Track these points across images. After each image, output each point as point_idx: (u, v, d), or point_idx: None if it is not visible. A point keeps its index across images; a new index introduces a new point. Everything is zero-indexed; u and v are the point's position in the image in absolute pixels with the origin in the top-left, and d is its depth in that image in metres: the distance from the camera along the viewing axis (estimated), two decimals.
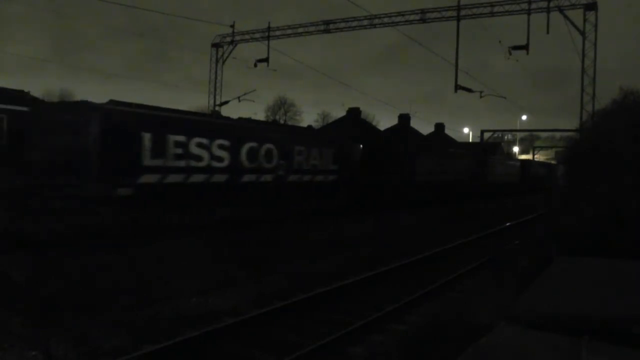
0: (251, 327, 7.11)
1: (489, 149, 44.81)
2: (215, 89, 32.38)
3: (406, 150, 23.43)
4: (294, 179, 16.39)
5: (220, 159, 13.72)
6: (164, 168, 12.14)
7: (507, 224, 20.29)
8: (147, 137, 11.75)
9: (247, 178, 14.62)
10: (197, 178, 13.00)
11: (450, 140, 55.77)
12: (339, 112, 63.24)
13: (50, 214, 10.24)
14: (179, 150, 12.52)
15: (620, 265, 5.05)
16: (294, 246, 12.59)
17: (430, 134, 55.04)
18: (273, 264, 10.92)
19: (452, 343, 5.22)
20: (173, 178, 12.38)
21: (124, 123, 11.54)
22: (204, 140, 13.24)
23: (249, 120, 22.72)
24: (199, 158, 13.06)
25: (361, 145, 20.11)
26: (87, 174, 10.83)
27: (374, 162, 19.84)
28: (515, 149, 79.61)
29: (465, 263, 12.05)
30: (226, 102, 31.44)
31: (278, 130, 19.66)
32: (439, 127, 56.10)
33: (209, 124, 15.26)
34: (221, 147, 13.77)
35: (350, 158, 19.16)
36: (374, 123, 56.57)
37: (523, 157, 75.25)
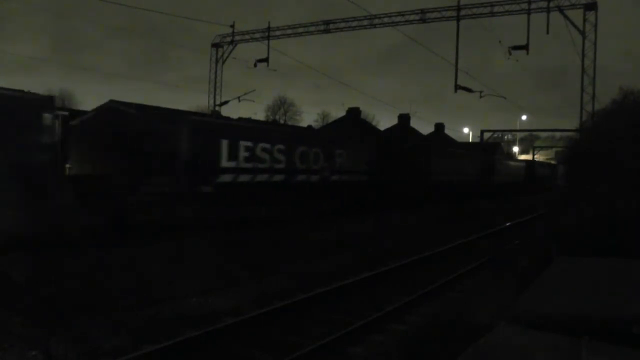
0: (251, 327, 7.11)
1: (489, 149, 45.26)
2: (215, 89, 32.38)
3: (424, 153, 25.14)
4: (335, 179, 18.73)
5: (279, 162, 15.89)
6: (236, 169, 14.33)
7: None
8: (224, 143, 13.95)
9: (299, 178, 16.81)
10: (261, 178, 15.22)
11: (450, 140, 55.74)
12: (339, 112, 63.25)
13: (150, 207, 12.09)
14: (248, 154, 14.70)
15: (620, 265, 5.06)
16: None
17: (430, 134, 55.00)
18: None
19: (452, 343, 5.22)
20: (243, 178, 14.55)
21: (208, 132, 13.77)
22: (267, 145, 15.42)
23: (293, 126, 26.20)
24: (262, 160, 15.25)
25: (385, 148, 22.43)
26: (179, 175, 12.91)
27: (397, 163, 21.86)
28: (515, 149, 79.58)
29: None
30: (226, 102, 31.43)
31: (323, 136, 22.91)
32: (439, 127, 56.07)
33: (270, 131, 17.60)
34: (279, 151, 15.91)
35: (378, 160, 21.20)
36: (373, 123, 56.57)
37: (523, 157, 75.25)
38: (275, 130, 18.78)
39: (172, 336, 6.43)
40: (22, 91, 10.37)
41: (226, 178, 13.92)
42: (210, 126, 14.39)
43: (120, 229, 10.91)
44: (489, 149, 44.50)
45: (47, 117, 10.18)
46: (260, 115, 53.69)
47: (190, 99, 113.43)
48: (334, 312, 8.13)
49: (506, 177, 36.93)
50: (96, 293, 7.93)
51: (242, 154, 14.44)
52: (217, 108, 31.57)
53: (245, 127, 16.03)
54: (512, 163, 43.79)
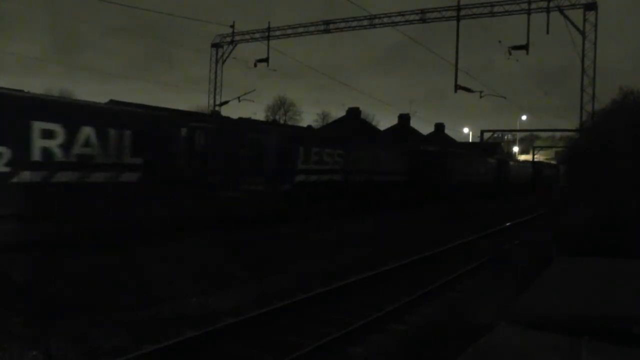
0: (251, 327, 7.11)
1: (489, 149, 46.00)
2: (215, 89, 32.38)
3: (447, 158, 27.98)
4: (381, 179, 21.99)
5: (338, 164, 18.98)
6: (309, 170, 17.22)
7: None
8: (301, 149, 16.86)
9: (353, 178, 19.69)
10: (325, 177, 18.22)
11: (450, 141, 55.74)
12: (338, 112, 63.24)
13: (238, 204, 14.18)
14: (317, 158, 17.74)
15: (620, 265, 5.06)
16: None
17: (430, 134, 55.00)
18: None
19: (452, 343, 5.21)
20: (312, 178, 17.41)
21: (289, 140, 16.67)
22: (330, 150, 18.57)
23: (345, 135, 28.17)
24: (326, 163, 18.29)
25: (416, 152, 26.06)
26: (267, 175, 15.41)
27: (426, 165, 25.15)
28: (515, 149, 79.53)
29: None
30: (226, 102, 31.43)
31: (372, 142, 26.15)
32: (439, 127, 56.07)
33: (332, 139, 21.23)
34: (339, 155, 19.10)
35: (410, 163, 24.67)
36: (373, 123, 56.58)
37: (523, 157, 75.21)
38: (336, 138, 22.47)
39: (173, 336, 6.43)
40: (168, 110, 14.18)
41: (301, 178, 16.80)
42: (291, 135, 18.36)
43: (221, 220, 12.93)
44: (490, 149, 45.89)
45: (183, 130, 13.15)
46: (260, 115, 53.74)
47: (190, 99, 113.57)
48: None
49: (516, 178, 40.82)
50: (96, 293, 7.93)
51: (313, 158, 17.49)
52: (217, 108, 31.58)
53: (315, 136, 20.80)
54: (521, 164, 48.14)
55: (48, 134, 9.85)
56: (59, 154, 10.01)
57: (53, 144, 9.90)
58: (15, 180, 9.22)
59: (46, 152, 9.81)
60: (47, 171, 9.80)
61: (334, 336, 6.67)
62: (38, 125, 9.68)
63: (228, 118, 19.51)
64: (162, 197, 11.61)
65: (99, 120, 10.83)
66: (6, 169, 9.10)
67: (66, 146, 10.10)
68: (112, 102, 16.45)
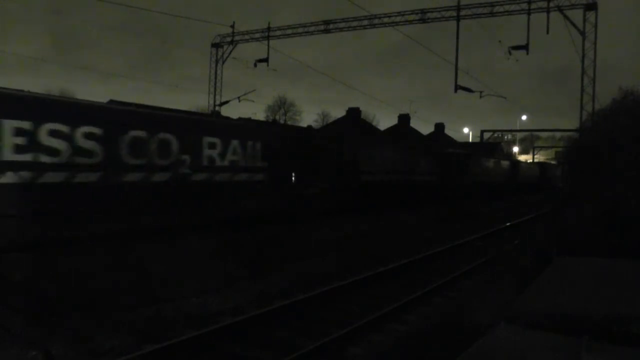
0: (251, 326, 7.12)
1: (489, 149, 46.72)
2: (215, 89, 32.38)
3: (466, 160, 30.43)
4: (420, 179, 25.14)
5: (387, 166, 21.54)
6: (371, 172, 20.09)
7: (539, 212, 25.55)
8: (363, 152, 20.00)
9: (398, 178, 22.48)
10: (384, 178, 21.16)
11: (450, 141, 55.75)
12: (338, 112, 63.26)
13: (317, 198, 16.67)
14: (378, 161, 20.79)
15: (620, 265, 5.05)
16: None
17: (430, 134, 55.02)
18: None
19: (451, 343, 5.22)
20: (374, 178, 20.22)
21: (354, 145, 19.81)
22: (387, 153, 21.91)
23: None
24: (383, 165, 21.12)
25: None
26: (337, 175, 17.89)
27: (449, 168, 28.00)
28: (515, 149, 79.51)
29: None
30: (226, 102, 31.44)
31: (411, 148, 28.60)
32: (439, 127, 56.09)
33: (385, 141, 25.24)
34: (390, 157, 22.07)
35: (437, 164, 27.56)
36: (374, 123, 56.59)
37: (523, 157, 75.21)
38: (385, 140, 28.29)
39: (172, 336, 6.43)
40: (277, 126, 17.50)
41: (365, 178, 19.56)
42: (355, 141, 21.36)
43: (301, 213, 15.51)
44: (489, 148, 46.89)
45: (284, 140, 15.53)
46: (260, 115, 53.71)
47: (189, 99, 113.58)
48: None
49: (525, 178, 44.48)
50: (96, 293, 7.93)
51: (375, 160, 20.51)
52: (217, 108, 31.58)
53: (375, 140, 25.64)
54: (529, 165, 52.61)
55: (212, 146, 12.90)
56: (218, 160, 13.06)
57: (214, 153, 12.98)
58: (193, 178, 12.35)
59: (210, 159, 12.88)
60: (210, 173, 12.88)
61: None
62: (206, 140, 12.76)
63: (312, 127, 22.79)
64: (277, 192, 14.99)
65: (242, 135, 13.96)
66: (188, 171, 12.25)
67: (222, 154, 13.21)
68: (111, 102, 16.46)
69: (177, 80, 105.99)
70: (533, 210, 26.11)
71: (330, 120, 57.82)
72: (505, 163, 40.60)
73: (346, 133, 29.25)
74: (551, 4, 23.14)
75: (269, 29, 29.37)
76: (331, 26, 28.27)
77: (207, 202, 12.72)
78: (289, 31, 29.44)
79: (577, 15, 23.50)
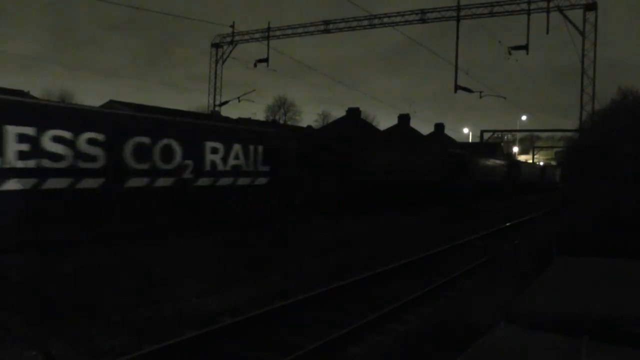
0: (251, 327, 7.12)
1: (489, 149, 47.31)
2: (215, 89, 32.38)
3: (471, 160, 31.06)
4: (420, 180, 24.84)
5: (396, 165, 22.01)
6: (373, 172, 20.09)
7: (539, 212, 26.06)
8: (363, 152, 19.93)
9: (408, 178, 23.09)
10: (385, 178, 21.15)
11: (450, 141, 55.75)
12: (338, 112, 63.25)
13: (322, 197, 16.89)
14: (383, 161, 21.01)
15: (620, 265, 5.05)
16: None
17: (430, 134, 55.01)
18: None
19: (451, 343, 5.22)
20: (378, 179, 20.55)
21: (355, 146, 20.06)
22: (394, 154, 22.51)
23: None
24: (388, 165, 21.32)
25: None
26: (337, 176, 17.83)
27: (447, 167, 28.01)
28: (515, 149, 79.50)
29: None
30: (226, 102, 31.44)
31: (411, 148, 28.90)
32: (439, 127, 56.08)
33: (389, 143, 26.26)
34: (401, 158, 22.97)
35: (437, 164, 27.71)
36: (374, 123, 56.58)
37: (523, 157, 75.21)
38: (385, 140, 27.58)
39: (173, 336, 6.43)
40: (277, 126, 18.49)
41: (365, 178, 19.51)
42: (355, 141, 21.98)
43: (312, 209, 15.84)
44: (489, 148, 47.65)
45: (292, 142, 15.64)
46: (260, 115, 53.71)
47: (189, 98, 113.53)
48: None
49: (528, 177, 45.78)
50: (96, 293, 7.93)
51: (379, 162, 20.53)
52: (217, 108, 31.57)
53: (375, 140, 26.89)
54: (533, 166, 54.86)
55: (214, 150, 12.64)
56: (220, 164, 12.87)
57: (217, 158, 12.77)
58: (195, 184, 12.08)
59: (213, 163, 12.65)
60: (214, 177, 12.68)
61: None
62: (208, 145, 12.50)
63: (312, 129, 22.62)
64: (280, 193, 14.95)
65: (244, 140, 13.83)
66: (190, 176, 12.07)
67: (224, 159, 13.02)
68: (111, 102, 16.45)
69: (178, 78, 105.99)
70: (533, 210, 26.25)
71: (330, 120, 57.82)
72: (505, 163, 41.25)
73: (346, 133, 29.92)
74: (551, 4, 23.17)
75: (269, 29, 29.38)
76: (331, 26, 28.28)
77: (210, 205, 12.66)
78: (289, 31, 29.46)
79: (577, 15, 23.54)
